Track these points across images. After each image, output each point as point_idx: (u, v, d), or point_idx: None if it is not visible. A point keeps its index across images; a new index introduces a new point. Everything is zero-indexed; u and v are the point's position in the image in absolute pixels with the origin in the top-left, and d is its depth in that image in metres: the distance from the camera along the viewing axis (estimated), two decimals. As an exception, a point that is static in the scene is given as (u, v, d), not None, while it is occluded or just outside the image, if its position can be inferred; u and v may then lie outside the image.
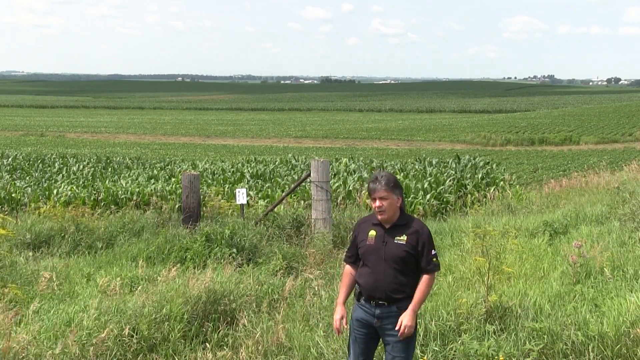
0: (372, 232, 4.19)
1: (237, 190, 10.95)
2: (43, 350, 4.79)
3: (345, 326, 4.31)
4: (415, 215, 18.54)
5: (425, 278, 4.15)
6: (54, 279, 6.89)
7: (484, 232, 5.78)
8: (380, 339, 4.29)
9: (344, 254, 4.44)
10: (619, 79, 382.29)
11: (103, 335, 5.01)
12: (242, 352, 5.28)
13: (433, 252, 4.15)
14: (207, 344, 5.44)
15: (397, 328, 4.07)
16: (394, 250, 4.10)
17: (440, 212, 18.90)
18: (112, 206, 16.37)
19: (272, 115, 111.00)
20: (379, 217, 4.15)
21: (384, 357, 4.31)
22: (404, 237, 4.11)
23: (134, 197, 19.78)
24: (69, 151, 45.98)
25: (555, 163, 37.47)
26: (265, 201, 18.06)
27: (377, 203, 4.10)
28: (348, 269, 4.37)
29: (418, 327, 5.16)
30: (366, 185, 4.34)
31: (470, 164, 30.87)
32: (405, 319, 4.06)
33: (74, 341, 4.90)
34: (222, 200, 12.55)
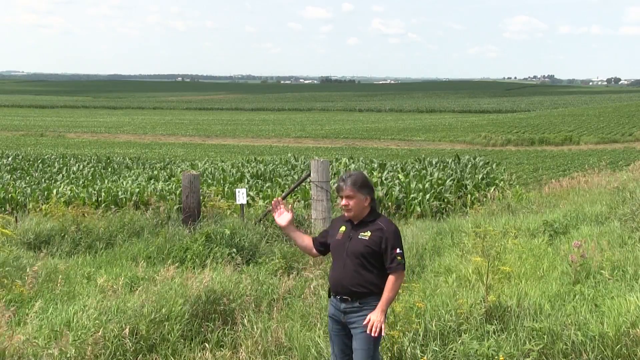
0: (342, 228, 4.33)
1: (237, 190, 10.95)
2: (40, 350, 4.78)
3: (281, 201, 4.63)
4: (414, 215, 18.57)
5: (390, 278, 4.16)
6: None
7: (484, 232, 5.78)
8: None
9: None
10: (619, 79, 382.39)
11: (99, 334, 5.00)
12: (241, 352, 5.27)
13: (398, 250, 4.15)
14: (206, 344, 5.43)
15: (364, 323, 4.07)
16: (356, 246, 4.19)
17: (440, 212, 18.91)
18: (112, 206, 16.38)
19: (272, 115, 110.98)
20: (346, 214, 4.29)
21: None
22: (368, 233, 4.19)
23: (134, 197, 19.81)
24: (69, 151, 45.99)
25: (555, 163, 37.43)
26: (265, 201, 18.07)
27: (344, 202, 4.24)
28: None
29: (418, 327, 5.17)
30: None
31: (470, 164, 30.90)
32: (372, 315, 4.07)
33: (72, 341, 4.89)
34: (222, 200, 12.54)
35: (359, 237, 4.20)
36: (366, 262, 4.16)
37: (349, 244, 4.22)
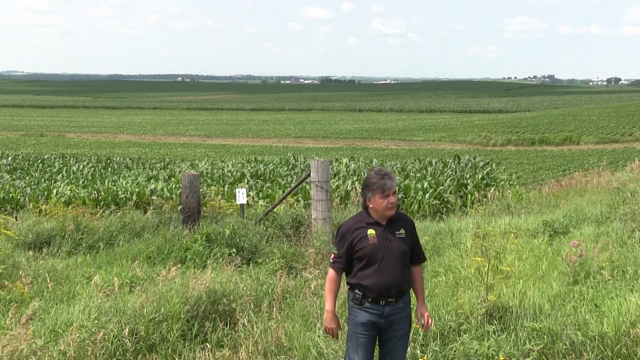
0: (371, 231, 4.11)
1: (237, 190, 10.94)
2: (40, 350, 4.78)
3: (341, 331, 4.25)
4: (413, 215, 18.56)
5: (419, 269, 4.33)
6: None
7: (484, 232, 5.78)
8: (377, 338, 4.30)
9: (332, 259, 4.25)
10: (619, 79, 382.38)
11: (101, 335, 5.01)
12: (241, 352, 5.27)
13: (419, 242, 4.39)
14: (206, 344, 5.43)
15: (418, 324, 4.29)
16: (399, 245, 4.12)
17: (440, 212, 18.90)
18: (112, 206, 16.38)
19: (272, 115, 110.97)
20: (390, 213, 4.12)
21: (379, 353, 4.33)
22: (403, 231, 4.16)
23: (134, 197, 19.80)
24: (69, 151, 45.99)
25: (555, 163, 37.44)
26: (265, 201, 18.07)
27: (392, 199, 4.08)
28: (334, 274, 4.22)
29: (418, 327, 5.17)
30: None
31: (470, 164, 30.89)
32: (424, 311, 4.30)
33: (73, 341, 4.90)
34: (222, 200, 12.53)
35: (397, 236, 4.13)
36: (407, 260, 4.19)
37: (390, 245, 4.09)
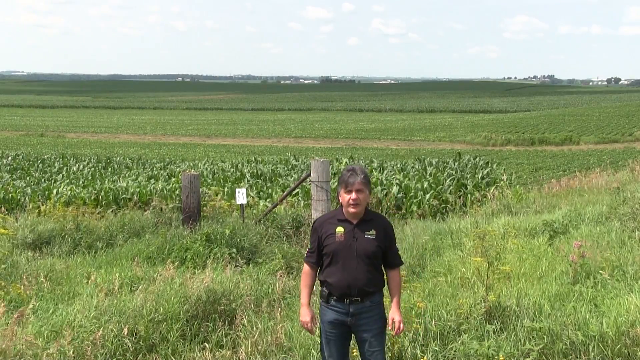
0: (340, 229, 4.11)
1: (237, 190, 10.95)
2: (40, 350, 4.78)
3: (317, 325, 4.28)
4: (413, 215, 18.56)
5: (395, 274, 4.26)
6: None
7: (484, 232, 5.78)
8: (353, 336, 4.29)
9: (307, 253, 4.34)
10: (619, 79, 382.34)
11: (99, 334, 5.01)
12: (241, 352, 5.27)
13: (396, 246, 4.29)
14: (206, 344, 5.44)
15: (390, 328, 4.17)
16: (365, 246, 4.08)
17: (440, 212, 18.89)
18: (113, 206, 16.38)
19: (272, 115, 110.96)
20: (352, 210, 4.08)
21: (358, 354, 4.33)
22: (373, 232, 4.12)
23: (134, 197, 19.78)
24: (69, 151, 45.99)
25: (555, 163, 37.45)
26: (266, 201, 18.08)
27: (354, 195, 4.05)
28: (307, 269, 4.30)
29: (418, 327, 5.18)
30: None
31: (470, 164, 30.87)
32: (395, 316, 4.16)
33: (71, 341, 4.89)
34: (222, 200, 12.53)
35: (366, 236, 4.09)
36: (375, 262, 4.14)
37: (355, 244, 4.08)
